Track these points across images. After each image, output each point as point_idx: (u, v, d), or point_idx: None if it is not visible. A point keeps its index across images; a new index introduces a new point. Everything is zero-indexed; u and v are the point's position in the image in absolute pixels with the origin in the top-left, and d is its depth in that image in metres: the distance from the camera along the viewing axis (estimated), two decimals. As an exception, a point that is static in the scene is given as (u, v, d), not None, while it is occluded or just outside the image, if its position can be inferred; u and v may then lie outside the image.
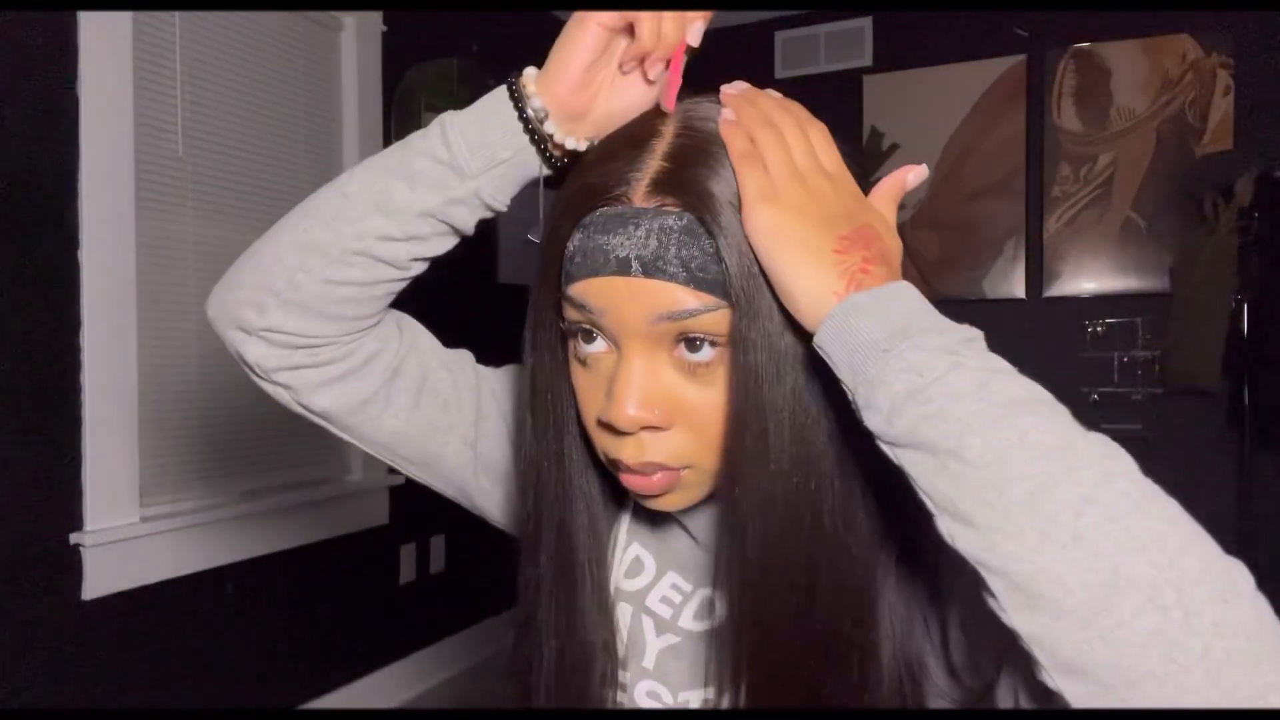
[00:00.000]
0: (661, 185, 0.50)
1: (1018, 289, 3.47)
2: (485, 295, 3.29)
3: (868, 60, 3.74)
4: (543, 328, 0.57)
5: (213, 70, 2.33)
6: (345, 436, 0.67)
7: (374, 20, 2.83)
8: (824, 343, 0.46)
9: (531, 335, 0.58)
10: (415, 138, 0.58)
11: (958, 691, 0.54)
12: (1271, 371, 3.00)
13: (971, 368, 0.43)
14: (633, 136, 0.54)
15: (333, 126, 2.73)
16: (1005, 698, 0.48)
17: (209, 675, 2.29)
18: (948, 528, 0.42)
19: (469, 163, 0.56)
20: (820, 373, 0.49)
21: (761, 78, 4.02)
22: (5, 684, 1.83)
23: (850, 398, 0.46)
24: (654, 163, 0.51)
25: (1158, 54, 3.32)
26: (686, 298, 0.49)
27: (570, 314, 0.53)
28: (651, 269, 0.49)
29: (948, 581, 0.52)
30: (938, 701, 0.54)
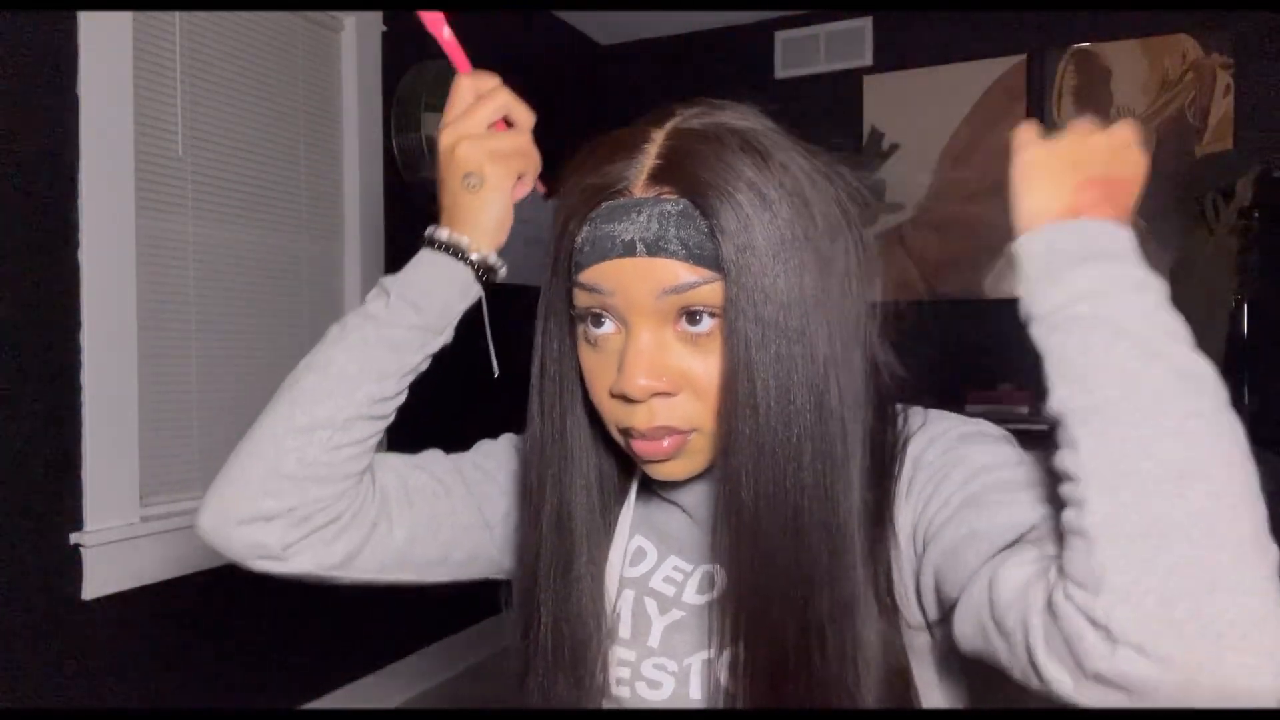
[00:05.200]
0: (659, 176, 0.57)
1: (1018, 289, 3.46)
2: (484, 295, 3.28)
3: (868, 60, 3.74)
4: (553, 316, 0.63)
5: (213, 70, 2.33)
6: (369, 577, 0.70)
7: (374, 20, 2.83)
8: (1026, 242, 0.53)
9: (542, 325, 0.64)
10: (378, 309, 0.67)
11: (919, 618, 0.59)
12: (1271, 371, 3.00)
13: (1156, 289, 0.49)
14: (624, 143, 0.60)
15: (333, 126, 2.73)
16: (977, 586, 0.50)
17: (209, 675, 2.29)
18: (1066, 392, 0.47)
19: (439, 320, 0.67)
20: (803, 340, 0.55)
21: (761, 78, 4.03)
22: (5, 684, 1.83)
23: (1029, 285, 0.52)
24: (649, 160, 0.57)
25: (1158, 54, 3.32)
26: (686, 272, 0.55)
27: (581, 299, 0.60)
28: (654, 248, 0.55)
29: (926, 528, 0.57)
30: (913, 634, 0.59)
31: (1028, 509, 0.52)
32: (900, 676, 0.58)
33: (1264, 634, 0.39)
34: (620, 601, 0.67)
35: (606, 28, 4.02)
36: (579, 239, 0.59)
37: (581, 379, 0.63)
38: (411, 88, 2.94)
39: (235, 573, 2.57)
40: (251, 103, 2.44)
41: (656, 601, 0.67)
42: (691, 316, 0.56)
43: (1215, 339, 3.14)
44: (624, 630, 0.67)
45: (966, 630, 0.50)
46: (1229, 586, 0.40)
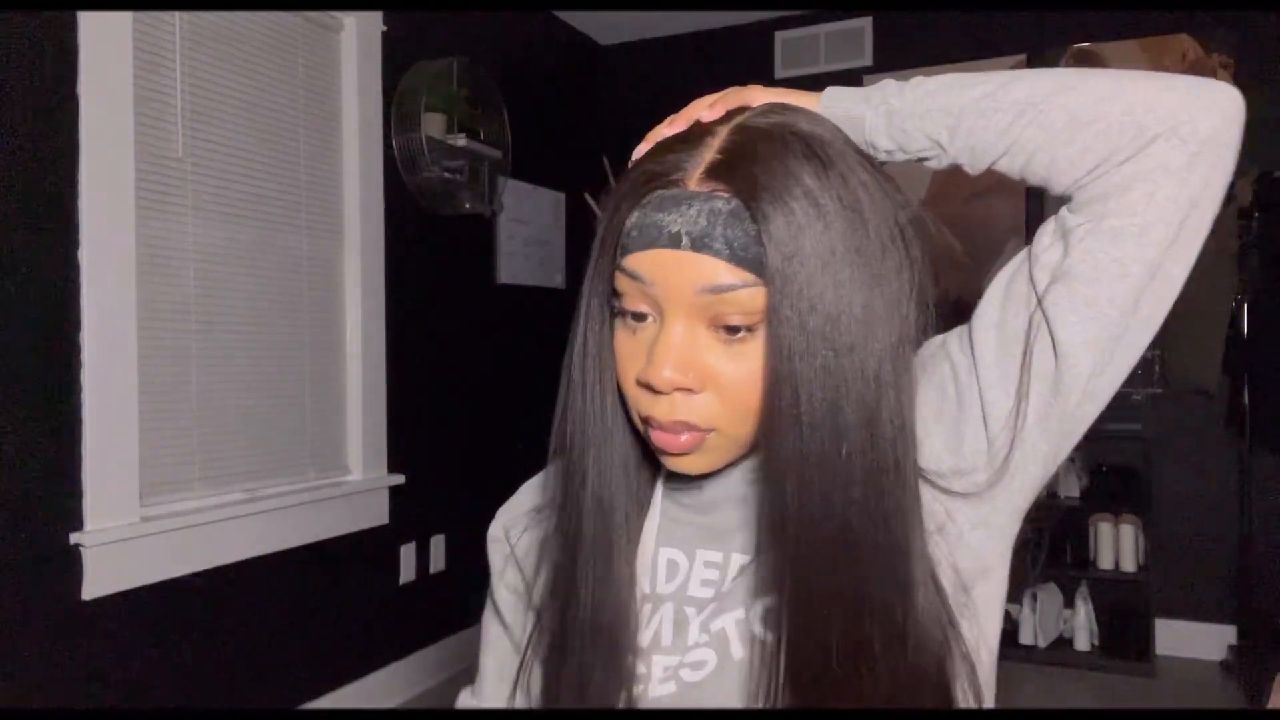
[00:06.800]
0: (714, 172, 0.56)
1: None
2: (485, 296, 3.29)
3: (868, 60, 3.74)
4: (595, 295, 0.62)
5: (213, 70, 2.33)
6: None
7: (374, 20, 2.83)
8: (831, 101, 0.62)
9: (585, 302, 0.63)
10: None
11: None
12: (1271, 371, 3.00)
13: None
14: (688, 136, 0.60)
15: (333, 126, 2.73)
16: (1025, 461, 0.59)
17: (209, 675, 2.29)
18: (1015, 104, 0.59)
19: None
20: (851, 355, 0.55)
21: (761, 78, 4.03)
22: (5, 684, 1.83)
23: (870, 113, 0.61)
24: (709, 155, 0.57)
25: (1158, 54, 3.32)
26: (727, 273, 0.55)
27: (622, 284, 0.59)
28: (699, 244, 0.55)
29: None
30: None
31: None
32: (942, 694, 0.57)
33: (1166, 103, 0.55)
34: (659, 615, 0.66)
35: (606, 28, 4.02)
36: (629, 223, 0.58)
37: (616, 359, 0.62)
38: (411, 88, 2.94)
39: (235, 573, 2.57)
40: (251, 103, 2.44)
41: (694, 607, 0.66)
42: (730, 329, 0.56)
43: (1215, 339, 3.14)
44: (665, 640, 0.65)
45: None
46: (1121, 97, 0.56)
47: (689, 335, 0.56)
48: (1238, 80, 3.22)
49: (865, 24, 3.76)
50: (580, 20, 3.92)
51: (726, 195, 0.55)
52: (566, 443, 0.64)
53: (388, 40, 2.88)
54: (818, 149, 0.56)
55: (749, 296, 0.55)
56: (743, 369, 0.56)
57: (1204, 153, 0.55)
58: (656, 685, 0.64)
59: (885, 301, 0.56)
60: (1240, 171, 3.17)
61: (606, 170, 0.66)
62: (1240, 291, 3.10)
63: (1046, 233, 0.59)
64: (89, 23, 1.97)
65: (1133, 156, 0.55)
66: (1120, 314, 0.56)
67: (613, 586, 0.64)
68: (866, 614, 0.55)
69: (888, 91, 0.61)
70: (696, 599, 0.65)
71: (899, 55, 3.68)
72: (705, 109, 0.62)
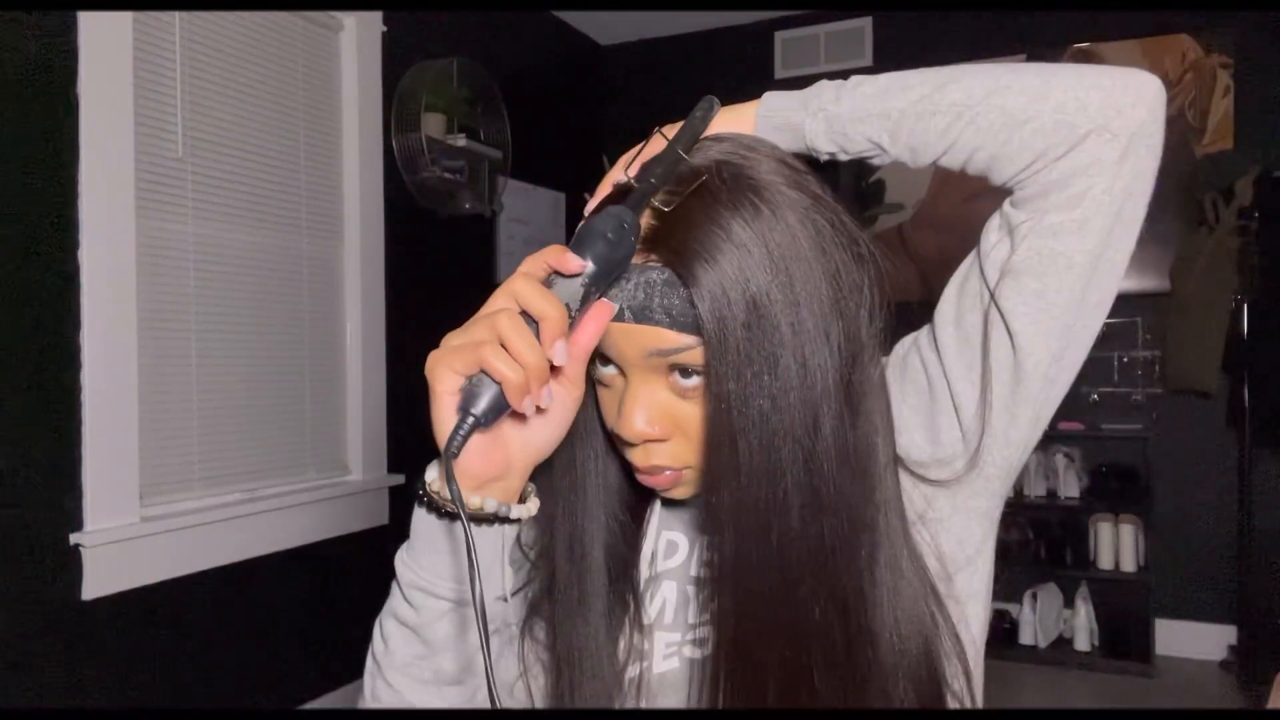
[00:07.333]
0: (648, 243, 0.58)
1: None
2: (485, 296, 3.28)
3: (868, 60, 3.74)
4: None
5: (213, 70, 2.33)
6: None
7: (374, 20, 2.83)
8: (769, 110, 0.63)
9: None
10: (396, 605, 0.62)
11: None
12: (1271, 371, 3.00)
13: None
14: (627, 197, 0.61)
15: (333, 126, 2.73)
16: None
17: (209, 675, 2.29)
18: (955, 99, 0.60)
19: (453, 591, 0.60)
20: (786, 396, 0.56)
21: (761, 78, 4.04)
22: (5, 684, 1.83)
23: (806, 116, 0.62)
24: (644, 220, 0.58)
25: (1158, 54, 3.32)
26: (670, 337, 0.57)
27: None
28: (640, 316, 0.57)
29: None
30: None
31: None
32: (932, 692, 0.59)
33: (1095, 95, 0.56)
34: (662, 592, 0.69)
35: (606, 28, 4.02)
36: None
37: (597, 406, 0.66)
38: (411, 88, 2.94)
39: (235, 573, 2.56)
40: (251, 103, 2.44)
41: (696, 586, 0.69)
42: (683, 371, 0.59)
43: (1215, 339, 3.15)
44: (667, 617, 0.68)
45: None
46: (1048, 96, 0.57)
47: (649, 390, 0.60)
48: (1237, 80, 3.22)
49: (865, 24, 3.76)
50: (580, 20, 3.92)
51: (659, 265, 0.57)
52: (552, 486, 0.66)
53: (388, 40, 2.88)
54: (749, 194, 0.57)
55: (694, 354, 0.57)
56: (701, 414, 0.59)
57: (1134, 145, 0.57)
58: (660, 662, 0.67)
59: (830, 331, 0.57)
60: (1240, 171, 3.18)
61: (606, 170, 0.66)
62: (1240, 291, 3.10)
63: (993, 229, 0.62)
64: (89, 23, 1.97)
65: (1068, 153, 0.57)
66: (1070, 303, 0.59)
67: (591, 614, 0.66)
68: (803, 646, 0.57)
69: (825, 97, 0.62)
70: (699, 579, 0.68)
71: (899, 55, 3.68)
72: (621, 172, 0.62)
